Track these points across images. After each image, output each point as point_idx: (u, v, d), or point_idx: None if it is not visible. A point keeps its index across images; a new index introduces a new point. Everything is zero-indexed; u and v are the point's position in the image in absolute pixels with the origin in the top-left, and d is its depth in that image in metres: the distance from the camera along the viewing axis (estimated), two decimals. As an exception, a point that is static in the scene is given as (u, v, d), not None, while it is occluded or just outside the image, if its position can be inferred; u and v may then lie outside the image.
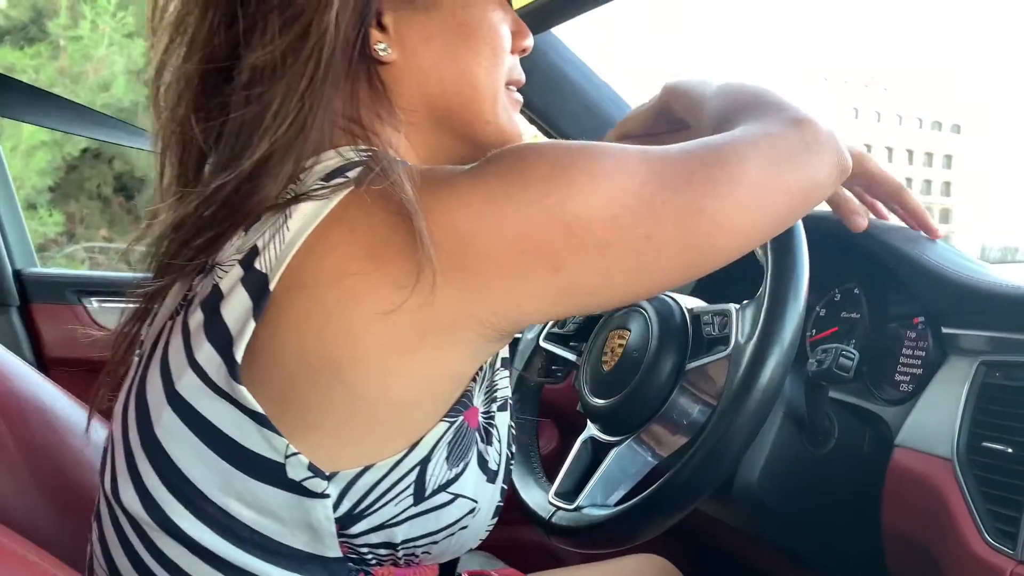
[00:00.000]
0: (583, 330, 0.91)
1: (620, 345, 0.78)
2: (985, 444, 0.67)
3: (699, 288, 1.05)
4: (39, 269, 1.47)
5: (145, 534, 0.48)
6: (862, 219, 0.75)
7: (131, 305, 0.56)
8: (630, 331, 0.78)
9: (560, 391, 1.14)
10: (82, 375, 1.30)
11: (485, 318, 0.44)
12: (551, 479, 0.80)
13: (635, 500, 0.66)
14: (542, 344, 0.92)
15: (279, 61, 0.47)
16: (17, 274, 1.43)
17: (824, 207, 0.76)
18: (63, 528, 0.67)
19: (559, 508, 0.74)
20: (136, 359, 0.54)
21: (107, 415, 0.81)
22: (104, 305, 1.41)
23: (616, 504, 0.72)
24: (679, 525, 0.66)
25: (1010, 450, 0.65)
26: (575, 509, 0.73)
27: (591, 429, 0.80)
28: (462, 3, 0.54)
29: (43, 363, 1.40)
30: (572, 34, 1.19)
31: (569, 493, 0.76)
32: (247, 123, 0.47)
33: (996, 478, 0.65)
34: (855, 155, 0.69)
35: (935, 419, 0.74)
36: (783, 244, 0.65)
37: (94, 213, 7.29)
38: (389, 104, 0.53)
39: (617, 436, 0.75)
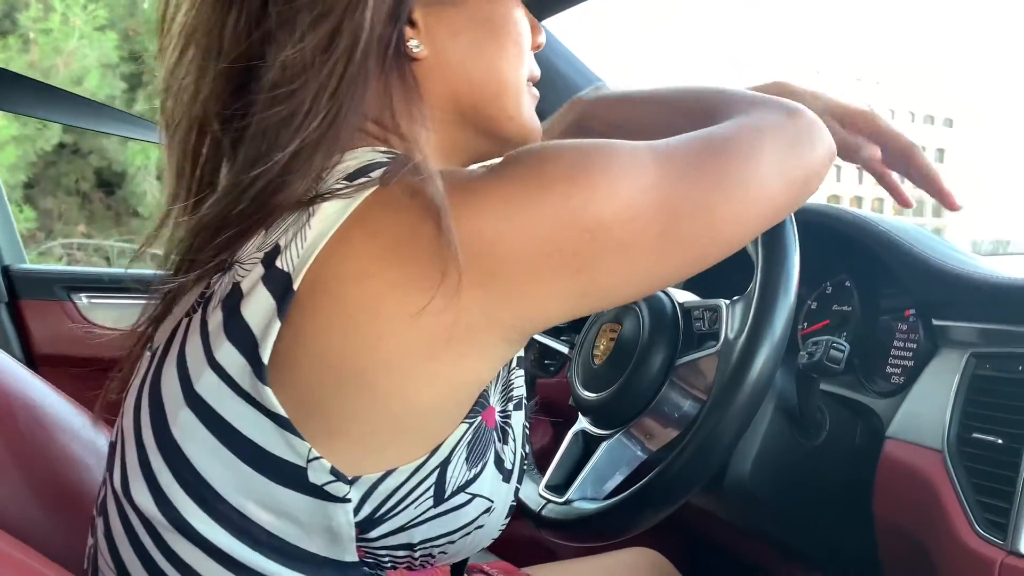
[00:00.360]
0: (576, 322, 0.91)
1: (611, 339, 0.78)
2: (975, 435, 0.68)
3: (692, 281, 1.05)
4: (27, 265, 1.46)
5: (157, 533, 0.47)
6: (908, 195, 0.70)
7: (146, 303, 0.55)
8: (621, 325, 0.78)
9: (553, 385, 1.14)
10: (71, 372, 1.30)
11: (508, 321, 0.44)
12: (542, 472, 0.80)
13: (625, 494, 0.66)
14: (535, 336, 0.92)
15: (310, 60, 0.46)
16: (5, 270, 1.42)
17: (815, 199, 0.75)
18: (50, 524, 0.67)
19: (549, 501, 0.74)
20: (148, 354, 0.53)
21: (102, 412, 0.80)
22: (93, 301, 1.41)
23: (606, 498, 0.72)
24: (672, 518, 0.66)
25: (1000, 441, 0.65)
26: (565, 502, 0.72)
27: (582, 422, 0.79)
28: None
29: (32, 359, 1.39)
30: (565, 26, 1.19)
31: (559, 486, 0.76)
32: (276, 122, 0.46)
33: (986, 469, 0.66)
34: (864, 114, 0.67)
35: (926, 411, 0.74)
36: (774, 239, 0.65)
37: (72, 209, 7.19)
38: (420, 101, 0.52)
39: (608, 429, 0.75)
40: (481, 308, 0.43)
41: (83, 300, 1.40)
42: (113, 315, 1.39)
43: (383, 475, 0.45)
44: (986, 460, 0.66)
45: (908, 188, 0.71)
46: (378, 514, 0.46)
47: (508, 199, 0.43)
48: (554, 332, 1.17)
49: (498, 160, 0.47)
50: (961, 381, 0.72)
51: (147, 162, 6.73)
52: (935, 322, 0.78)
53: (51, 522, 0.67)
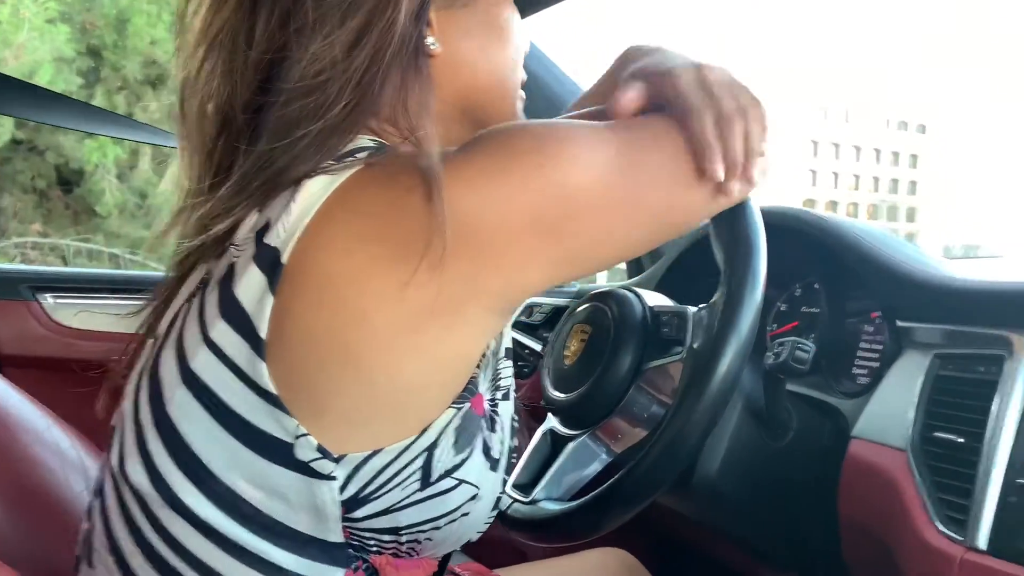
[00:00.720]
0: (550, 321, 0.91)
1: (582, 340, 0.78)
2: (937, 435, 0.69)
3: (664, 283, 1.05)
4: (-8, 264, 1.44)
5: (150, 510, 0.48)
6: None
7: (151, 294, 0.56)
8: (592, 326, 0.78)
9: (526, 385, 1.14)
10: (35, 372, 1.28)
11: (493, 291, 0.46)
12: (510, 470, 0.80)
13: (593, 494, 0.66)
14: (513, 335, 0.92)
15: (338, 54, 0.48)
16: (-31, 269, 1.39)
17: (789, 202, 0.75)
18: (10, 527, 0.66)
19: (515, 500, 0.74)
20: (151, 343, 0.54)
21: (72, 418, 0.79)
22: (60, 301, 1.38)
23: (571, 498, 0.72)
24: (640, 518, 0.66)
25: (961, 440, 0.66)
26: (531, 502, 0.72)
27: (551, 421, 0.80)
28: (493, 1, 0.57)
29: (-4, 360, 1.36)
30: (557, 22, 1.19)
31: (526, 485, 0.75)
32: (299, 116, 0.48)
33: (947, 467, 0.67)
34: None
35: (890, 411, 0.75)
36: (740, 242, 0.64)
37: (28, 207, 7.06)
38: (432, 96, 0.54)
39: (576, 430, 0.75)
40: (464, 279, 0.44)
41: (49, 300, 1.38)
42: (79, 316, 1.37)
43: (369, 454, 0.46)
44: (948, 459, 0.67)
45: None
46: (363, 494, 0.47)
47: (483, 172, 0.45)
48: (529, 329, 1.17)
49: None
50: (925, 382, 0.73)
51: (104, 160, 6.62)
52: (900, 324, 0.80)
53: (11, 524, 0.66)
